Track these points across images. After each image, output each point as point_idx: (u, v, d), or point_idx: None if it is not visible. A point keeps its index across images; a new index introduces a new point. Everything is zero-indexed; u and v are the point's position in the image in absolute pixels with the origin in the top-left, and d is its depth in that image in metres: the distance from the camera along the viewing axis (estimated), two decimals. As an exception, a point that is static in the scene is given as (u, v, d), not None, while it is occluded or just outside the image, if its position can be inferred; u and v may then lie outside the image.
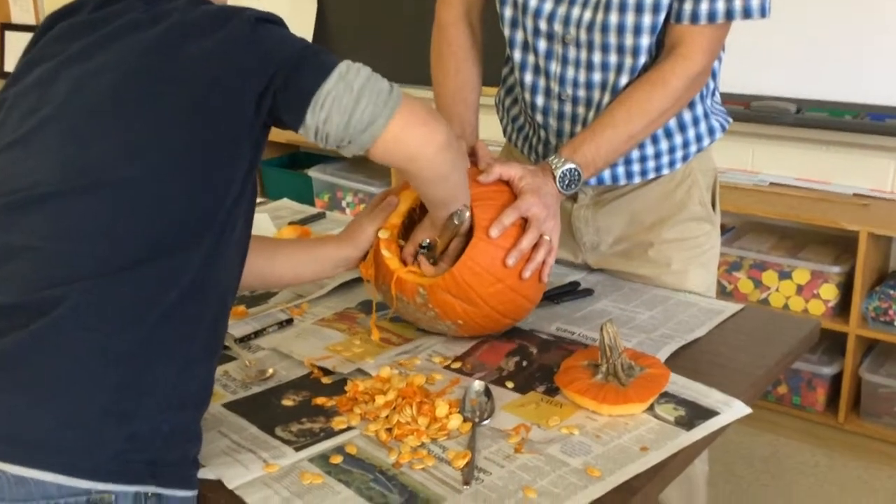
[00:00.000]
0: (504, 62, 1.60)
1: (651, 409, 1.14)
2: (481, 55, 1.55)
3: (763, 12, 1.33)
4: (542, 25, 1.42)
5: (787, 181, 2.72)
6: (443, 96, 1.54)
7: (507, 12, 1.46)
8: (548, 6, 1.40)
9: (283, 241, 1.40)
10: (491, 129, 1.72)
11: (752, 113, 2.65)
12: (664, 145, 1.49)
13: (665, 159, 1.51)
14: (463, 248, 1.26)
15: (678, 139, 1.50)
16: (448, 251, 1.28)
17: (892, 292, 2.45)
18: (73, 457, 0.87)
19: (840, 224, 2.44)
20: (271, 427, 1.11)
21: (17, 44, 4.31)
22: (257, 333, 1.38)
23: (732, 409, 1.14)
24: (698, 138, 1.51)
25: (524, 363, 1.27)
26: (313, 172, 3.52)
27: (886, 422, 2.52)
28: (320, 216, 1.93)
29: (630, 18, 1.35)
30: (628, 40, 1.36)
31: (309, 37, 3.59)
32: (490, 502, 0.96)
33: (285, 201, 2.10)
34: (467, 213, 1.24)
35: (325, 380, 1.23)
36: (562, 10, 1.40)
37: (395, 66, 3.32)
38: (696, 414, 1.12)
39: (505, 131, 1.66)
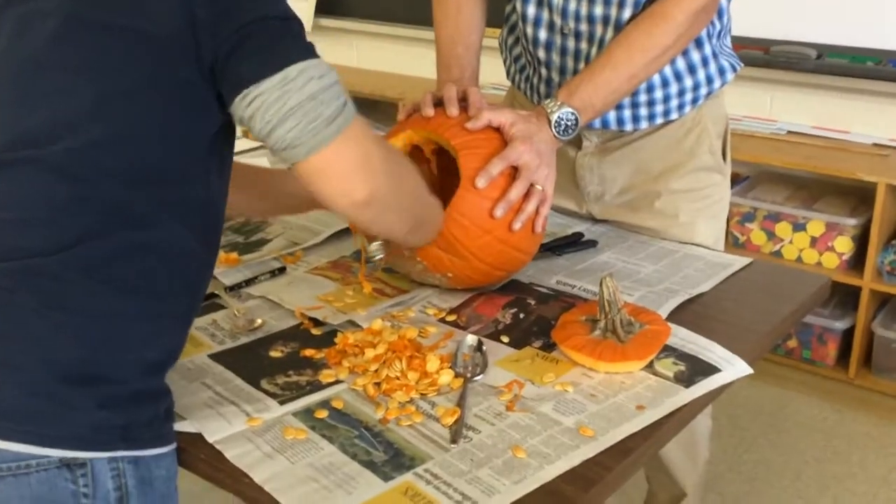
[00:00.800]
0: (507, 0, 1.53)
1: (650, 365, 1.10)
2: None
3: None
4: None
5: (804, 129, 2.64)
6: (442, 38, 1.48)
7: None
8: None
9: (259, 172, 1.35)
10: (499, 72, 1.66)
11: (771, 58, 2.56)
12: (673, 88, 1.43)
13: (674, 103, 1.44)
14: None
15: (688, 81, 1.43)
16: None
17: (908, 246, 2.39)
18: (42, 426, 0.84)
19: (857, 175, 2.37)
20: (257, 379, 1.07)
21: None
22: (248, 282, 1.34)
23: (734, 367, 1.10)
24: (708, 80, 1.44)
25: (521, 316, 1.23)
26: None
27: (898, 377, 2.48)
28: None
29: None
30: None
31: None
32: (477, 461, 0.93)
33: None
34: (379, 256, 1.19)
35: (315, 331, 1.20)
36: None
37: (409, 3, 3.28)
38: (696, 370, 1.08)
39: (508, 73, 1.60)
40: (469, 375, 1.08)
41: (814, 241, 2.53)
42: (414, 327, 1.18)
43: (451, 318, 1.23)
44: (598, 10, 1.35)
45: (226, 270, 1.35)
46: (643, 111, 1.45)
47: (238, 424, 0.99)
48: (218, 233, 1.01)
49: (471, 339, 1.14)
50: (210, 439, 0.96)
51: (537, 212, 1.24)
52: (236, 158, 1.03)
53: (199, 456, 0.95)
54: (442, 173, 1.35)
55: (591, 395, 1.04)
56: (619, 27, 1.34)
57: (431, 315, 1.24)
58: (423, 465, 0.92)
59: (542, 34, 1.43)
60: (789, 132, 2.65)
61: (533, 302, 1.27)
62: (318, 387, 1.07)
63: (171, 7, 0.86)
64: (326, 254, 1.45)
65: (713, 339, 1.15)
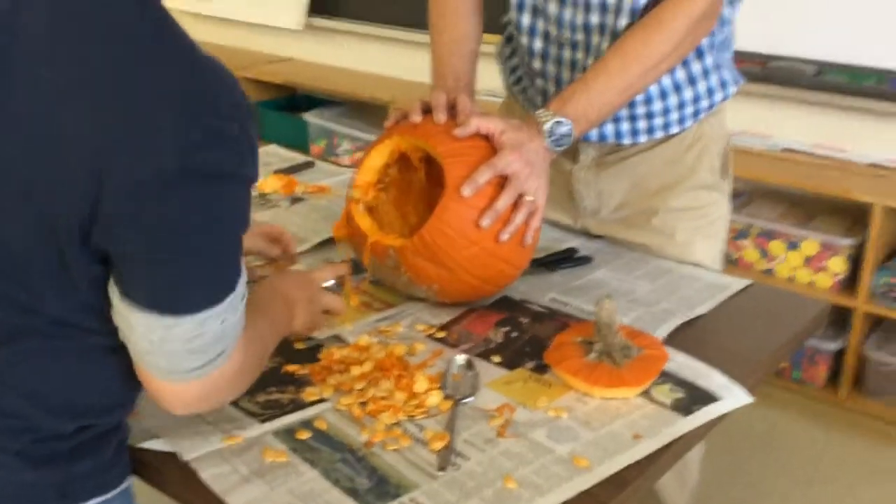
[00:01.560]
0: (504, 9, 1.49)
1: (646, 391, 1.05)
2: (482, 1, 1.44)
3: None
4: None
5: (800, 147, 2.61)
6: (439, 45, 1.43)
7: None
8: None
9: None
10: (496, 78, 1.61)
11: (768, 73, 2.53)
12: (672, 100, 1.38)
13: (674, 116, 1.40)
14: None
15: (687, 93, 1.39)
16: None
17: (903, 268, 2.36)
18: None
19: (853, 195, 2.34)
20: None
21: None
22: (231, 290, 1.29)
23: (734, 396, 1.06)
24: (709, 92, 1.40)
25: (514, 334, 1.19)
26: (310, 117, 3.40)
27: (889, 401, 2.44)
28: (308, 165, 1.83)
29: None
30: None
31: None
32: (466, 491, 0.88)
33: (274, 147, 2.00)
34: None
35: (299, 345, 1.15)
36: None
37: (403, 5, 3.23)
38: (694, 398, 1.04)
39: (505, 83, 1.56)
40: (459, 397, 1.03)
41: (807, 261, 2.50)
42: (402, 344, 1.13)
43: (441, 334, 1.19)
44: (595, 19, 1.31)
45: (208, 278, 1.30)
46: (642, 124, 1.41)
47: (215, 442, 0.94)
48: None
49: (461, 358, 1.09)
50: (185, 457, 0.91)
51: (527, 223, 1.19)
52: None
53: (171, 477, 0.90)
54: (430, 182, 1.30)
55: (585, 422, 1.00)
56: (616, 36, 1.30)
57: (420, 331, 1.19)
58: (408, 494, 0.88)
59: (538, 44, 1.39)
60: (785, 149, 2.62)
61: (526, 320, 1.22)
62: (301, 405, 1.02)
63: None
64: (311, 263, 1.40)
65: (711, 364, 1.11)
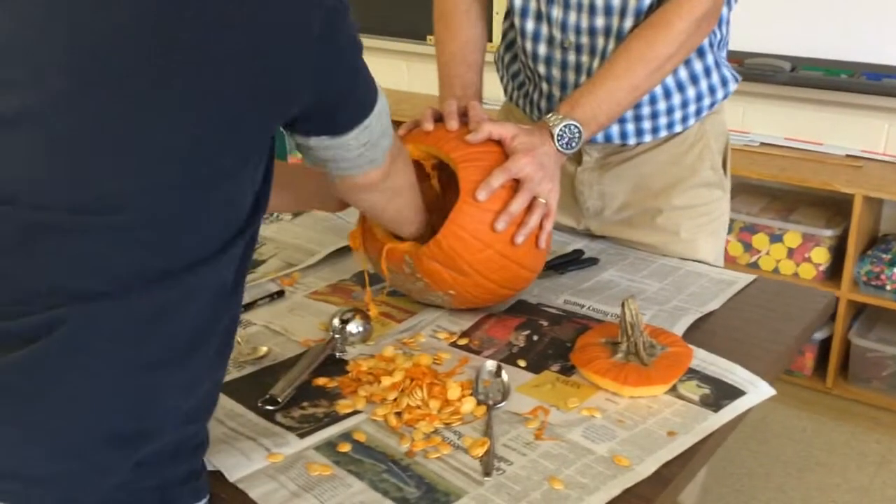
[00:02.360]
0: (504, 16, 1.51)
1: (674, 388, 1.07)
2: (486, 9, 1.46)
3: None
4: None
5: (777, 141, 2.67)
6: (445, 56, 1.45)
7: None
8: None
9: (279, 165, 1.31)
10: (496, 88, 1.63)
11: (746, 71, 2.56)
12: (676, 99, 1.41)
13: (678, 115, 1.43)
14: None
15: (690, 92, 1.42)
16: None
17: (884, 256, 2.41)
18: (74, 490, 0.76)
19: (834, 186, 2.39)
20: (271, 413, 1.03)
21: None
22: (247, 306, 1.29)
23: (758, 390, 1.08)
24: (711, 90, 1.43)
25: (535, 338, 1.20)
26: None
27: (875, 386, 2.50)
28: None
29: None
30: None
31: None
32: (514, 495, 0.89)
33: (277, 162, 2.00)
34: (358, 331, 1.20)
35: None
36: None
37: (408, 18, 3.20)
38: (721, 393, 1.06)
39: (506, 90, 1.57)
40: (492, 403, 1.04)
41: (791, 253, 2.55)
42: (427, 353, 1.14)
43: (463, 341, 1.20)
44: (600, 22, 1.34)
45: (223, 295, 1.30)
46: (646, 124, 1.43)
47: (258, 461, 0.94)
48: (248, 263, 0.91)
49: (490, 364, 1.10)
50: (231, 478, 0.91)
51: (541, 226, 1.21)
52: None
53: (220, 496, 0.90)
54: (443, 190, 1.32)
55: (619, 421, 1.01)
56: (621, 38, 1.32)
57: (442, 339, 1.20)
58: (458, 501, 0.88)
59: (542, 49, 1.41)
60: (762, 143, 2.67)
61: (545, 323, 1.24)
62: (337, 418, 1.02)
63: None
64: (324, 275, 1.41)
65: (730, 359, 1.14)
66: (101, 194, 0.75)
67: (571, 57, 1.39)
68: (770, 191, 2.72)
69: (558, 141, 1.24)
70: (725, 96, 1.45)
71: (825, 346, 2.55)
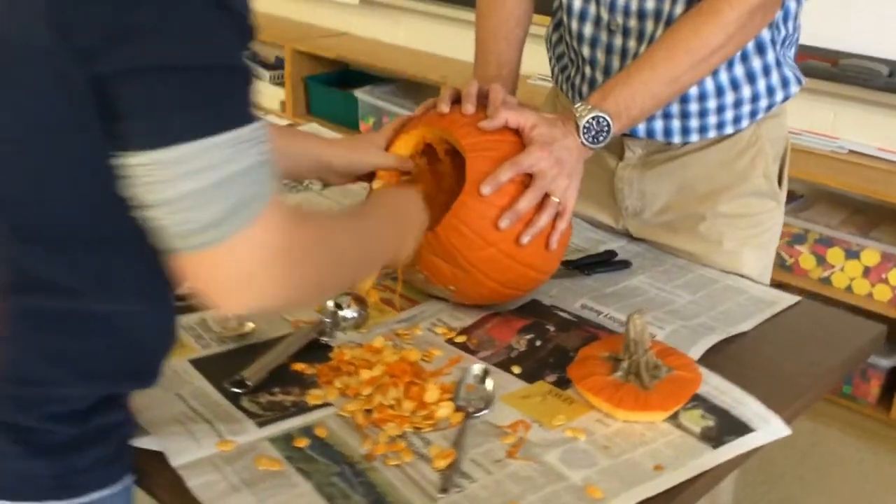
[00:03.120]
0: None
1: (675, 416, 0.98)
2: None
3: None
4: None
5: (867, 150, 2.48)
6: (483, 29, 1.36)
7: None
8: None
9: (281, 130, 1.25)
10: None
11: (839, 72, 2.39)
12: (729, 98, 1.29)
13: (729, 115, 1.30)
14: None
15: (745, 91, 1.29)
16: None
17: (969, 284, 2.23)
18: None
19: (922, 205, 2.21)
20: (237, 396, 0.97)
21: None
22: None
23: (769, 427, 0.97)
24: (769, 91, 1.30)
25: (538, 343, 1.12)
26: (360, 93, 3.34)
27: (945, 423, 2.32)
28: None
29: None
30: None
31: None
32: (466, 518, 0.82)
33: (316, 126, 1.95)
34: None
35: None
36: None
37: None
38: (726, 427, 0.96)
39: (552, 72, 1.48)
40: (471, 410, 0.97)
41: (867, 271, 2.37)
42: (418, 349, 1.07)
43: (461, 339, 1.12)
44: (650, 5, 1.23)
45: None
46: (694, 122, 1.31)
47: (208, 447, 0.89)
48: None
49: (476, 368, 1.03)
50: (173, 463, 0.86)
51: (553, 226, 1.12)
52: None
53: (159, 480, 0.85)
54: (456, 177, 1.23)
55: (604, 447, 0.93)
56: (671, 23, 1.21)
57: (440, 334, 1.13)
58: (404, 517, 0.82)
59: (588, 30, 1.31)
60: (851, 151, 2.49)
61: (552, 328, 1.15)
62: (304, 409, 0.96)
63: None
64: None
65: (749, 389, 1.03)
66: None
67: (618, 40, 1.28)
68: (852, 202, 2.54)
69: (584, 134, 1.15)
70: (786, 98, 1.32)
71: (893, 374, 2.38)
